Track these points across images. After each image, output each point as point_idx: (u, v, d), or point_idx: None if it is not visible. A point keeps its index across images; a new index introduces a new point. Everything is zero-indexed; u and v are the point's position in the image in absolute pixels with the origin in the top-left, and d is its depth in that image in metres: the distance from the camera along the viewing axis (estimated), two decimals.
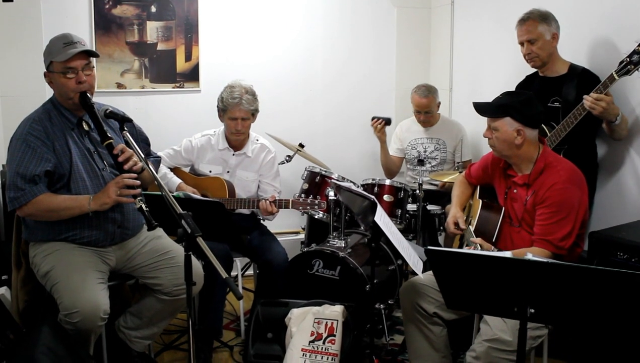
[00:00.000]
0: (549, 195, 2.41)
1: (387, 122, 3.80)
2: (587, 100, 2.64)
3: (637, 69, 2.54)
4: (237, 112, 3.20)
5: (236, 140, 3.30)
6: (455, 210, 2.79)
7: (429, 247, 1.85)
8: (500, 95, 2.57)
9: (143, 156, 2.23)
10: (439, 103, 3.97)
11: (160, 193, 2.06)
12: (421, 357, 2.53)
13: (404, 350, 2.84)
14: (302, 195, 3.29)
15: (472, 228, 2.60)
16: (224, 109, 3.23)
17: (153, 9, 3.86)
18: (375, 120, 3.81)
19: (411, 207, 3.53)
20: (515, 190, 2.58)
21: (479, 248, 2.37)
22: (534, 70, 3.13)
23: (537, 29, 2.94)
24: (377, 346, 3.06)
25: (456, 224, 2.71)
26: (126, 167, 2.34)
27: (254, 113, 3.27)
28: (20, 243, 2.62)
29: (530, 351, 2.39)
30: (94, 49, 2.85)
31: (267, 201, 3.10)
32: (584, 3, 3.10)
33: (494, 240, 2.54)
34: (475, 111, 2.58)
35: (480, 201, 2.71)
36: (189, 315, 2.08)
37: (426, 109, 3.89)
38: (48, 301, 2.44)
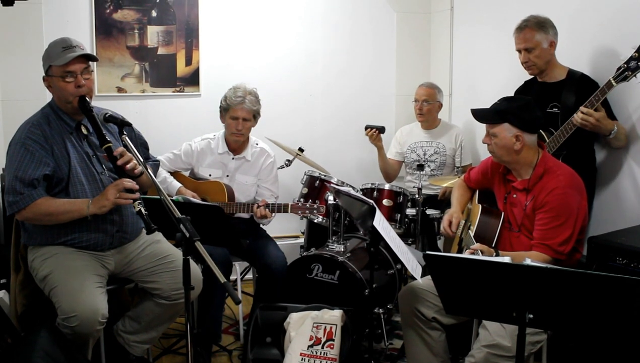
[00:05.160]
0: (548, 200, 2.40)
1: (381, 130, 3.78)
2: (578, 116, 2.64)
3: (635, 75, 2.53)
4: (240, 111, 3.20)
5: (236, 141, 3.30)
6: (453, 209, 2.79)
7: (428, 252, 1.85)
8: (498, 100, 2.57)
9: (142, 160, 2.24)
10: (441, 104, 3.97)
11: (159, 197, 2.07)
12: (420, 361, 2.52)
13: (403, 354, 2.83)
14: (302, 200, 3.28)
15: (472, 233, 2.59)
16: (227, 108, 3.23)
17: (154, 13, 3.87)
18: (369, 129, 3.78)
19: (410, 211, 3.53)
20: (514, 195, 2.57)
21: (480, 253, 2.37)
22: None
23: (534, 37, 2.92)
24: (376, 351, 3.06)
25: (450, 223, 2.71)
26: (125, 168, 2.34)
27: (255, 115, 3.27)
28: (19, 247, 2.62)
29: (529, 357, 2.38)
30: (94, 54, 2.86)
31: (259, 206, 3.08)
32: (583, 9, 3.10)
33: (493, 245, 2.54)
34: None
35: (480, 206, 2.70)
36: (187, 319, 2.08)
37: (424, 97, 3.89)
38: (46, 305, 2.43)
